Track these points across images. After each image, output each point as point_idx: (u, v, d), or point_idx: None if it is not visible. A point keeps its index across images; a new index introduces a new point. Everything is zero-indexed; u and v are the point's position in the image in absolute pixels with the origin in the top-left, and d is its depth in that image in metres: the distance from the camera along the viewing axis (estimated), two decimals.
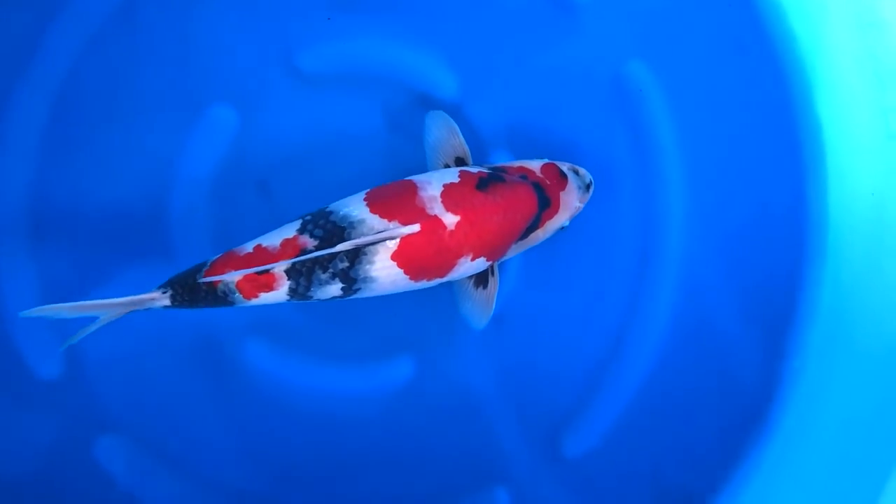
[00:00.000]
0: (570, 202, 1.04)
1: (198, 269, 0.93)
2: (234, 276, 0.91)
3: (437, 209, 0.92)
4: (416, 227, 0.90)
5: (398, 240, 0.90)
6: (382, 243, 0.90)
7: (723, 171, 1.21)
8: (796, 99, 1.18)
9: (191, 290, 0.93)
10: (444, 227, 0.92)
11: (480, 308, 1.04)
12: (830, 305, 1.19)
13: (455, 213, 0.92)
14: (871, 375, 1.15)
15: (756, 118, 1.20)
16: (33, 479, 1.13)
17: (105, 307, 0.91)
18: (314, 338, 1.17)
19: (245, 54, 1.17)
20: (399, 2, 1.18)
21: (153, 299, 0.92)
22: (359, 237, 0.89)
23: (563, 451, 1.19)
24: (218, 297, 0.93)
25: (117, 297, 0.91)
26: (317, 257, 0.89)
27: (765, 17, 1.19)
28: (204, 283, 0.92)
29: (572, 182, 1.05)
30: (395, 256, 0.91)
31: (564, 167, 1.06)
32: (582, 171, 1.07)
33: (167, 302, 0.93)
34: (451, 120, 1.07)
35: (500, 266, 1.06)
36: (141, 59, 1.16)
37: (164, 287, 0.93)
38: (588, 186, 1.07)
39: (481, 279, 1.03)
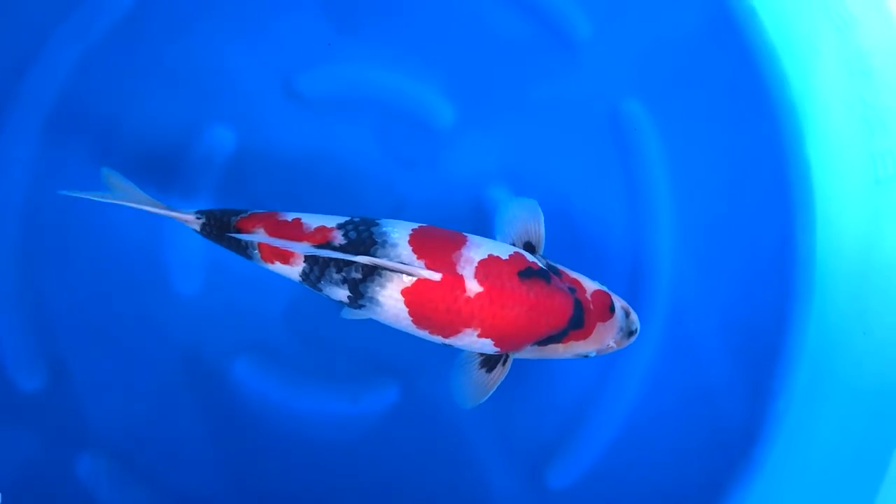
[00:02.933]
0: (605, 338, 0.99)
1: (235, 213, 0.96)
2: (263, 238, 0.93)
3: (467, 271, 0.90)
4: (436, 276, 0.88)
5: (415, 279, 0.89)
6: (399, 275, 0.89)
7: (713, 211, 1.22)
8: (787, 142, 1.20)
9: (220, 228, 0.96)
10: (463, 290, 0.89)
11: (475, 389, 0.99)
12: (816, 345, 1.20)
13: (481, 283, 0.89)
14: (855, 415, 1.16)
15: (747, 160, 1.22)
16: (13, 494, 1.11)
17: (144, 203, 0.96)
18: (301, 359, 1.17)
19: (245, 76, 1.18)
20: (400, 30, 1.20)
21: (187, 220, 0.97)
22: (383, 258, 0.89)
23: (548, 482, 1.19)
24: (241, 246, 0.96)
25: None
26: (337, 257, 0.89)
27: (758, 61, 1.22)
28: (233, 226, 0.95)
29: (617, 320, 0.99)
30: (405, 292, 0.90)
31: (619, 303, 1.00)
32: (634, 316, 1.01)
33: (197, 228, 0.97)
34: (540, 210, 1.03)
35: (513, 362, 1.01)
36: (141, 78, 1.17)
37: (199, 214, 0.97)
38: (631, 334, 1.01)
39: (490, 362, 0.99)
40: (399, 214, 1.19)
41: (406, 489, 1.16)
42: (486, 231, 1.17)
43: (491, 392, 0.98)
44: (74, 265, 1.15)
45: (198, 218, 0.96)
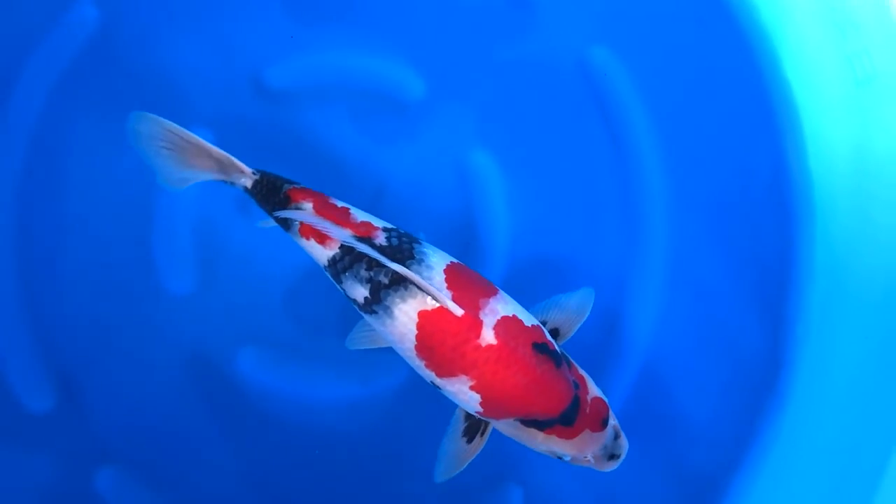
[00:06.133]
0: (587, 447, 0.92)
1: (288, 182, 0.95)
2: (302, 216, 0.91)
3: (488, 320, 0.87)
4: (459, 311, 0.86)
5: (436, 305, 0.86)
6: (423, 296, 0.86)
7: (699, 145, 1.21)
8: (762, 62, 1.18)
9: (270, 191, 0.94)
10: (478, 335, 0.86)
11: (451, 461, 0.96)
12: (825, 264, 1.17)
13: (496, 338, 0.86)
14: (874, 328, 1.13)
15: (725, 87, 1.20)
16: None
17: (202, 148, 0.93)
18: (305, 346, 1.17)
19: (215, 77, 1.19)
20: (359, 12, 1.21)
21: (242, 171, 0.95)
22: (416, 274, 0.87)
23: None
24: (287, 213, 0.93)
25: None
26: (372, 255, 0.87)
27: None
28: (283, 193, 0.93)
29: (605, 437, 0.93)
30: (422, 315, 0.87)
31: (612, 421, 0.94)
32: (622, 441, 0.94)
33: (248, 184, 0.95)
34: (590, 307, 0.99)
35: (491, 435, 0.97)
36: (116, 88, 1.18)
37: (256, 172, 0.95)
38: (612, 457, 0.94)
39: (471, 431, 0.95)
40: (383, 193, 1.20)
41: (421, 468, 1.14)
42: (469, 204, 1.19)
43: (465, 465, 0.95)
44: (67, 280, 1.16)
45: (254, 174, 0.95)
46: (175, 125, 0.93)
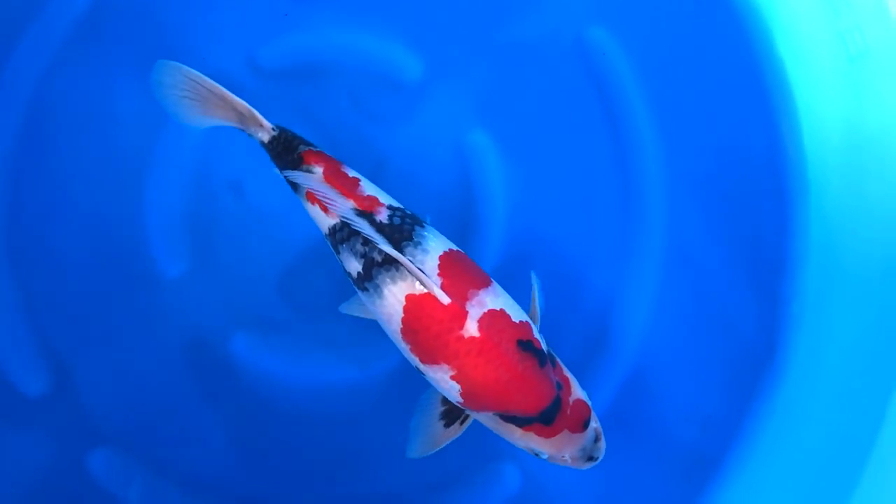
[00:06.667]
0: (564, 447, 0.91)
1: (305, 143, 0.94)
2: (308, 182, 0.91)
3: (473, 312, 0.86)
4: (445, 300, 0.85)
5: (424, 290, 0.86)
6: (413, 279, 0.86)
7: (694, 123, 1.21)
8: (755, 39, 1.19)
9: (285, 149, 0.94)
10: (461, 325, 0.86)
11: (425, 440, 0.95)
12: (820, 241, 1.18)
13: (480, 330, 0.86)
14: (869, 305, 1.13)
15: (719, 65, 1.21)
16: (29, 498, 1.10)
17: (225, 98, 0.94)
18: (301, 329, 1.17)
19: (209, 58, 1.18)
20: None
21: (261, 125, 0.95)
22: (409, 257, 0.86)
23: None
24: (294, 175, 0.93)
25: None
26: (365, 233, 0.87)
27: None
28: (297, 153, 0.93)
29: (584, 438, 0.92)
30: (409, 298, 0.86)
31: (594, 423, 0.93)
32: (601, 444, 0.94)
33: (265, 138, 0.95)
34: (536, 284, 1.00)
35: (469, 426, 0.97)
36: (109, 69, 1.17)
37: (276, 128, 0.95)
38: (590, 459, 0.93)
39: (450, 416, 0.95)
40: (380, 173, 1.19)
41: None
42: (466, 183, 1.19)
43: (438, 448, 0.95)
44: (59, 263, 1.15)
45: (273, 129, 0.94)
46: (199, 74, 0.94)
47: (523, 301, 1.09)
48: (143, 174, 1.17)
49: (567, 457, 0.92)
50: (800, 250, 1.19)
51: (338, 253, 0.92)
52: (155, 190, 1.17)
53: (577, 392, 0.93)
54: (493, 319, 0.87)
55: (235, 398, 1.15)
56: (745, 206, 1.21)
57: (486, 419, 0.92)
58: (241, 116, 0.95)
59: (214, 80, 1.18)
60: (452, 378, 0.87)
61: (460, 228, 1.19)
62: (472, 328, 0.86)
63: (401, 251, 0.87)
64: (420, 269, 0.86)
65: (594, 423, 0.93)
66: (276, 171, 0.96)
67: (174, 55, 1.16)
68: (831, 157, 1.16)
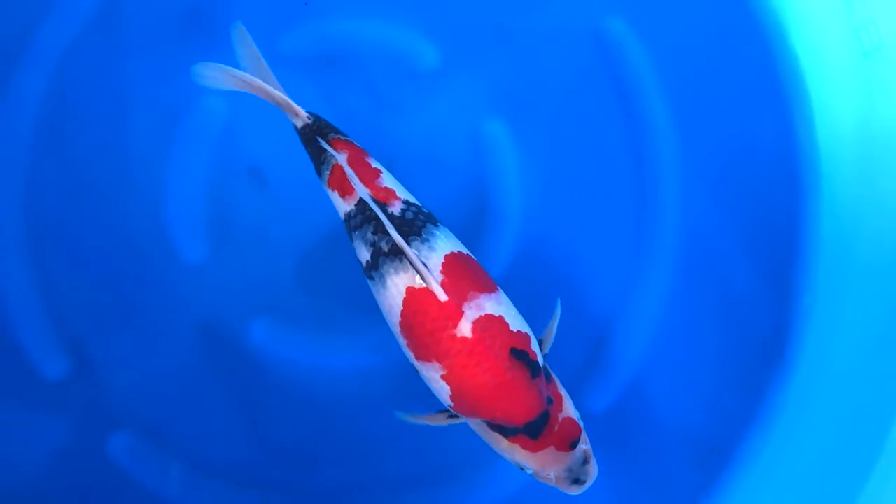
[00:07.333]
0: (549, 465, 0.90)
1: (335, 132, 0.97)
2: (338, 158, 0.93)
3: (470, 314, 0.86)
4: (443, 296, 0.86)
5: (423, 284, 0.86)
6: (414, 272, 0.87)
7: (709, 115, 1.22)
8: (771, 34, 1.20)
9: (316, 133, 0.96)
10: (455, 325, 0.86)
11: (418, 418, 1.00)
12: (832, 234, 1.19)
13: (474, 332, 0.86)
14: (881, 296, 1.15)
15: (735, 58, 1.22)
16: (49, 482, 1.11)
17: (263, 91, 0.97)
18: (318, 315, 1.17)
19: (229, 45, 1.19)
20: None
21: (297, 113, 0.97)
22: (414, 252, 0.87)
23: (588, 406, 1.17)
24: (320, 159, 0.96)
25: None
26: (381, 219, 0.88)
27: None
28: (327, 140, 0.95)
29: (571, 459, 0.90)
30: (409, 291, 0.87)
31: (584, 445, 0.92)
32: (590, 468, 0.92)
33: (299, 125, 0.97)
34: (559, 310, 1.01)
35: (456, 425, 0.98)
36: (130, 55, 1.18)
37: (311, 116, 0.97)
38: (576, 482, 0.91)
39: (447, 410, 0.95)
40: (396, 160, 1.20)
41: (445, 431, 1.15)
42: (482, 172, 1.20)
43: (421, 424, 0.98)
44: (80, 249, 1.16)
45: (308, 118, 0.97)
46: (238, 71, 0.97)
47: (534, 299, 1.10)
48: (164, 161, 1.18)
49: (552, 475, 0.90)
50: (812, 242, 1.20)
51: (351, 241, 0.94)
52: (175, 177, 1.18)
53: (569, 411, 0.92)
54: (488, 323, 0.87)
55: (252, 383, 1.16)
56: (758, 198, 1.22)
57: (476, 426, 0.91)
58: (279, 105, 0.98)
59: (234, 66, 1.19)
60: (443, 378, 0.87)
61: (475, 214, 1.20)
62: (465, 328, 0.86)
63: (408, 244, 0.87)
64: (423, 264, 0.87)
65: (584, 445, 0.91)
66: (303, 147, 0.98)
67: (194, 42, 1.18)
68: (844, 150, 1.17)
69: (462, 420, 0.95)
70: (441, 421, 0.98)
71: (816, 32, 1.18)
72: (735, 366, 1.20)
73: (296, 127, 0.98)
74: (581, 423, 0.92)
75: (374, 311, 1.16)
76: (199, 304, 1.16)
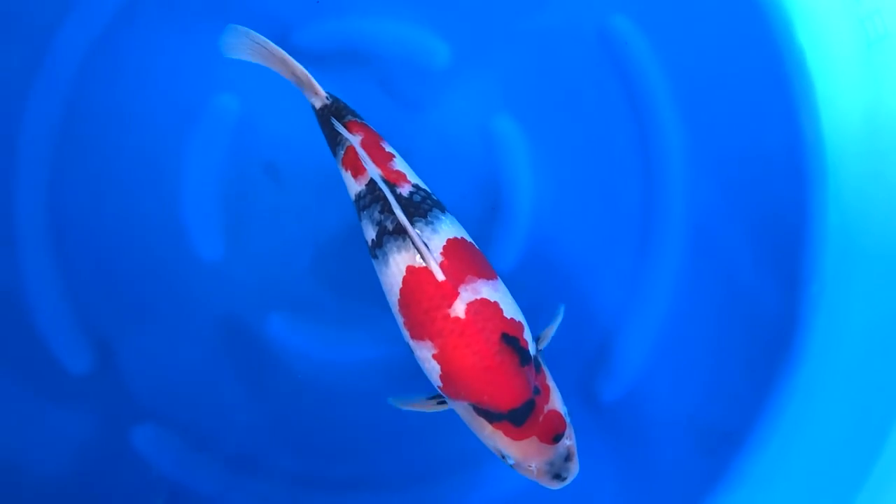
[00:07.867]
0: (530, 455, 0.90)
1: (352, 114, 0.99)
2: (352, 140, 0.96)
3: (465, 295, 0.88)
4: (440, 276, 0.87)
5: (422, 264, 0.88)
6: (415, 251, 0.89)
7: (715, 108, 1.23)
8: (775, 24, 1.21)
9: (333, 114, 0.99)
10: (450, 305, 0.87)
11: (409, 399, 1.01)
12: (838, 224, 1.20)
13: (465, 314, 0.87)
14: (888, 286, 1.15)
15: (739, 50, 1.23)
16: (75, 473, 1.14)
17: (287, 62, 1.00)
18: (334, 308, 1.20)
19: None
20: None
21: (316, 92, 1.00)
22: (417, 232, 0.89)
23: (599, 397, 1.19)
24: (335, 141, 0.98)
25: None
26: (389, 198, 0.90)
27: None
28: (343, 121, 0.98)
29: (552, 452, 0.90)
30: (409, 269, 0.89)
31: (568, 441, 0.91)
32: (571, 465, 0.91)
33: (317, 104, 1.00)
34: (561, 313, 1.03)
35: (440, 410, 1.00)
36: (147, 52, 1.20)
37: (330, 97, 1.00)
38: (556, 477, 0.91)
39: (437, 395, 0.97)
40: (408, 157, 1.21)
41: (450, 427, 1.17)
42: (493, 168, 1.22)
43: (410, 410, 1.00)
44: (101, 246, 1.19)
45: (326, 98, 0.99)
46: (264, 38, 1.00)
47: (544, 289, 1.12)
48: (179, 160, 1.20)
49: (533, 467, 0.90)
50: (819, 233, 1.21)
51: (360, 220, 0.96)
52: (191, 173, 1.20)
53: (556, 404, 0.92)
54: (482, 307, 0.88)
55: (270, 376, 1.18)
56: (765, 190, 1.23)
57: (462, 409, 0.92)
58: (300, 80, 1.00)
59: (245, 64, 1.21)
60: (434, 357, 0.89)
61: (487, 209, 1.22)
62: (459, 309, 0.87)
63: (412, 225, 0.89)
64: (425, 244, 0.88)
65: (568, 441, 0.91)
66: (320, 128, 1.00)
67: (209, 39, 1.20)
68: (850, 140, 1.18)
69: (448, 407, 0.96)
70: (430, 407, 0.99)
71: (821, 23, 1.19)
72: (744, 356, 1.21)
73: (314, 107, 1.00)
74: (568, 420, 0.92)
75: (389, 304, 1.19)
76: (217, 300, 1.18)
